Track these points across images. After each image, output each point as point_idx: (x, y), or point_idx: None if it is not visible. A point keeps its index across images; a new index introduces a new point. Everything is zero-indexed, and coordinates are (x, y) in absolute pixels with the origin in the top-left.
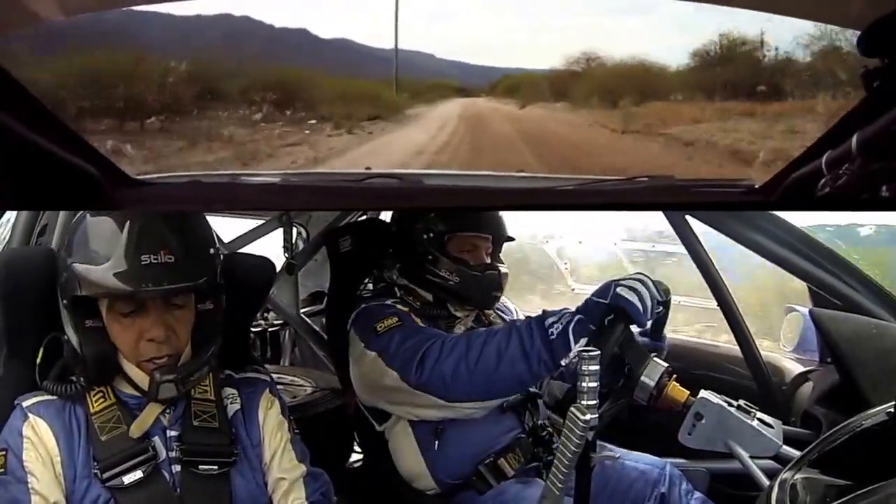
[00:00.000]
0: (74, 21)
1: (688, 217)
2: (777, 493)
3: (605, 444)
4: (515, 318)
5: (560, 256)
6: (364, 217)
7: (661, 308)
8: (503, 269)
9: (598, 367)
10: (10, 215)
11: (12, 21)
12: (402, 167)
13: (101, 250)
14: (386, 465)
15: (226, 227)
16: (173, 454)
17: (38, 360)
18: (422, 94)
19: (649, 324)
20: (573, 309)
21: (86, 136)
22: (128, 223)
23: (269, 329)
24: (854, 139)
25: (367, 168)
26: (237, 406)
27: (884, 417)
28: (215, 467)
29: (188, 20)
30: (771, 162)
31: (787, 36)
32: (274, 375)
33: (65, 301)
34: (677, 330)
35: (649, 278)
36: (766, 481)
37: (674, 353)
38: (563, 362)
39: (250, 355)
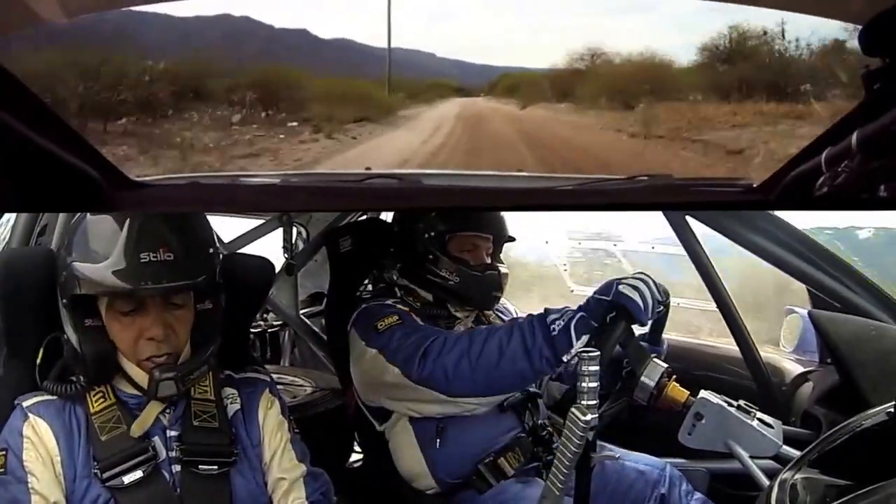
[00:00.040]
0: (74, 22)
1: (688, 218)
2: (777, 493)
3: (605, 444)
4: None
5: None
6: (364, 217)
7: (661, 308)
8: (503, 269)
9: (598, 368)
10: (10, 215)
11: (12, 21)
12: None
13: (101, 249)
14: (386, 465)
15: (226, 228)
16: (173, 454)
17: (38, 361)
18: (419, 94)
19: (650, 323)
20: (573, 307)
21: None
22: (127, 222)
23: (269, 330)
24: (854, 137)
25: (367, 168)
26: (237, 406)
27: (884, 417)
28: (215, 467)
29: (186, 21)
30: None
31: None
32: (274, 376)
33: (64, 300)
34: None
35: (651, 279)
36: (766, 481)
37: (674, 353)
38: (564, 358)
39: (250, 356)
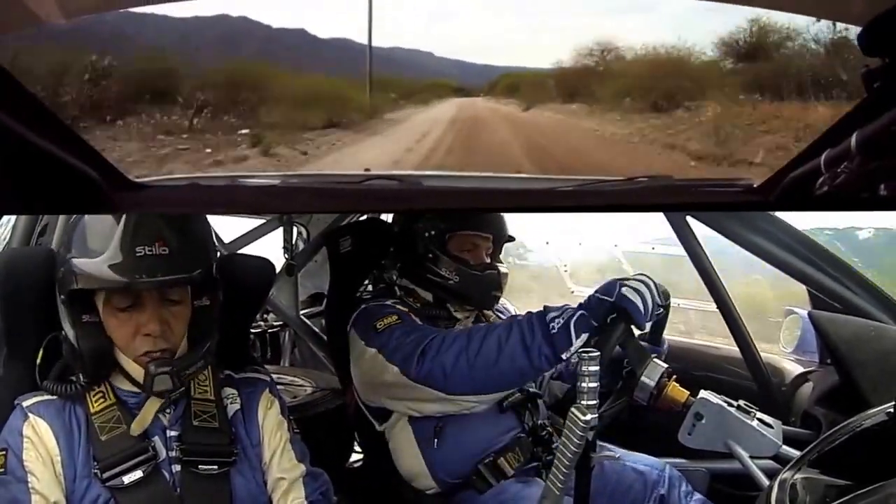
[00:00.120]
0: (74, 23)
1: (689, 219)
2: (777, 493)
3: (605, 444)
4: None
5: None
6: (364, 217)
7: (660, 310)
8: (503, 269)
9: (598, 368)
10: (11, 216)
11: (12, 21)
12: None
13: (98, 245)
14: (386, 465)
15: (226, 228)
16: (173, 454)
17: (38, 361)
18: (411, 94)
19: (648, 325)
20: (573, 305)
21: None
22: (124, 217)
23: (269, 330)
24: (853, 138)
25: (367, 169)
26: (237, 406)
27: (883, 417)
28: (215, 467)
29: (186, 21)
30: None
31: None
32: (274, 376)
33: (62, 296)
34: None
35: (652, 280)
36: (766, 481)
37: (673, 353)
38: (564, 356)
39: (250, 356)
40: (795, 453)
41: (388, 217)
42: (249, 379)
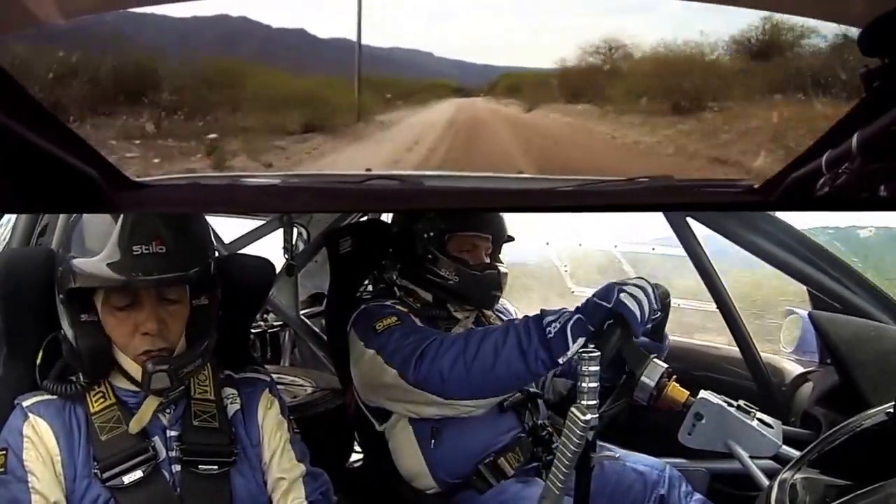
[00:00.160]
0: (73, 23)
1: (689, 219)
2: (777, 493)
3: (605, 444)
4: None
5: None
6: (365, 218)
7: (658, 313)
8: (503, 268)
9: (597, 368)
10: (11, 216)
11: (12, 22)
12: None
13: (96, 243)
14: (386, 465)
15: (226, 228)
16: (173, 454)
17: (38, 360)
18: (407, 95)
19: (643, 330)
20: (570, 309)
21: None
22: (122, 216)
23: (269, 330)
24: (854, 138)
25: (368, 169)
26: (237, 406)
27: (883, 417)
28: (215, 467)
29: (186, 21)
30: None
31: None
32: (274, 376)
33: (61, 296)
34: None
35: (649, 283)
36: (765, 481)
37: (674, 354)
38: (561, 360)
39: (250, 356)
40: (795, 453)
41: (388, 217)
42: (249, 379)
